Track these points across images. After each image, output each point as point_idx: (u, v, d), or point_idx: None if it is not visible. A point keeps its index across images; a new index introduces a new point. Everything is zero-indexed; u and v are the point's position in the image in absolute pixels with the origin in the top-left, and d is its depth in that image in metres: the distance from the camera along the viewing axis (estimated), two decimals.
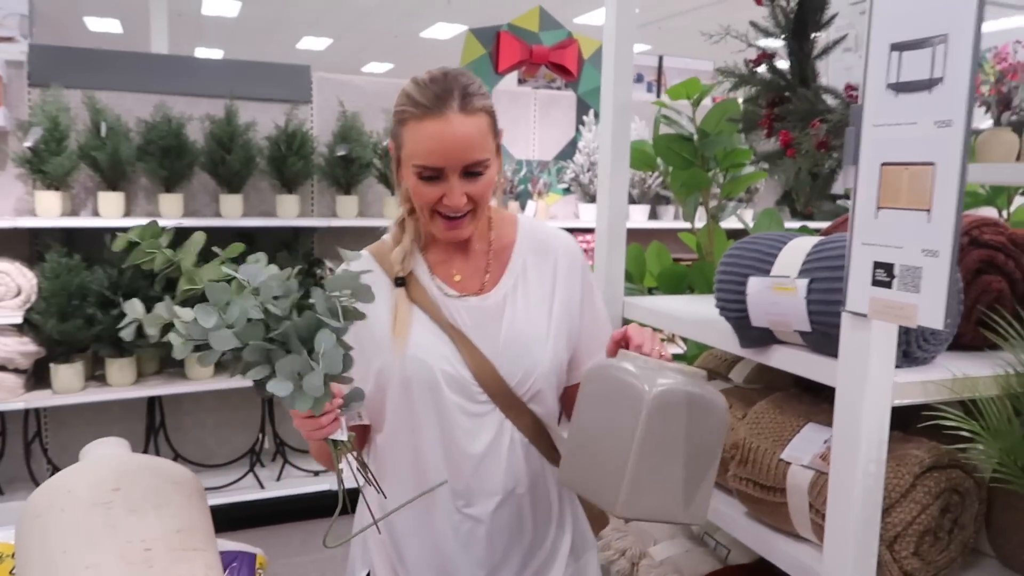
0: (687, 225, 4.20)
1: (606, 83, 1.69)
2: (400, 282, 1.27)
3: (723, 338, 1.45)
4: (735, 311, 1.33)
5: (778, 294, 1.24)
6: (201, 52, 13.90)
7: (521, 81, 4.59)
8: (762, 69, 1.66)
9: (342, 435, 1.11)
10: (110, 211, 3.34)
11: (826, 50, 1.60)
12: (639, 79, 5.39)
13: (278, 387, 0.95)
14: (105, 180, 3.37)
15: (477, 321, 1.26)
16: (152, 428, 3.63)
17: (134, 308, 1.04)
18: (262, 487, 3.63)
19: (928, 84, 0.95)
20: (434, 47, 13.36)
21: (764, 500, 1.33)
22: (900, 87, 0.98)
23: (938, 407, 1.09)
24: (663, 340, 2.22)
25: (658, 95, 5.43)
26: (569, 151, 4.38)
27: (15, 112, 3.34)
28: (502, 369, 1.24)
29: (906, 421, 1.21)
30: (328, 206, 3.93)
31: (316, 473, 3.76)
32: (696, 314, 1.62)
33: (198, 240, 1.38)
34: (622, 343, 1.16)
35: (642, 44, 12.37)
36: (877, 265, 1.02)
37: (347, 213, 3.74)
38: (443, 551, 1.29)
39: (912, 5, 0.96)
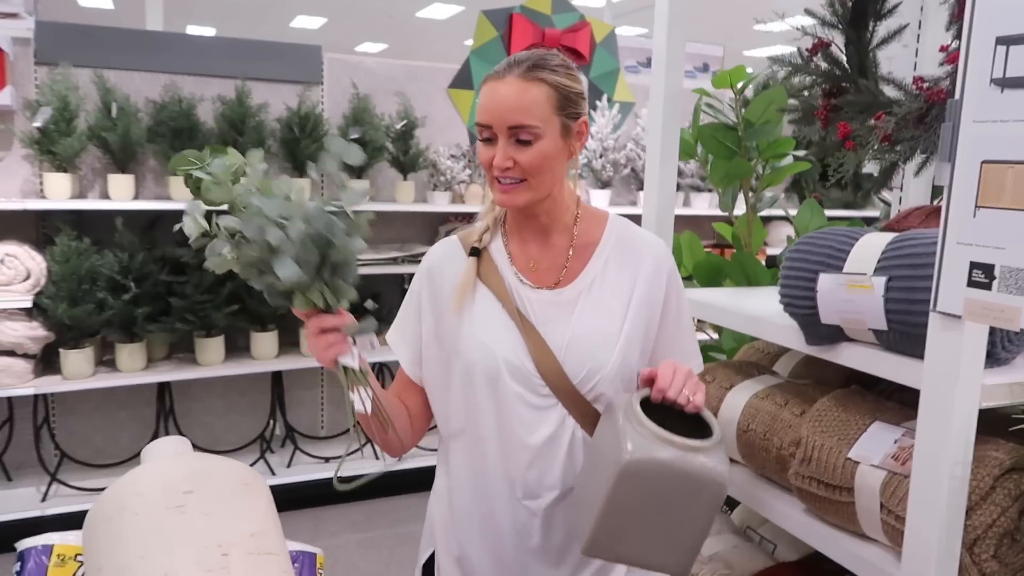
0: (704, 212, 4.18)
1: (657, 72, 1.65)
2: (475, 252, 1.30)
3: (782, 333, 1.43)
4: (803, 308, 1.31)
5: (853, 292, 1.22)
6: (192, 30, 13.66)
7: None
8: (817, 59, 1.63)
9: (352, 361, 1.11)
10: (120, 193, 3.27)
11: (886, 40, 1.57)
12: (649, 64, 5.34)
13: (285, 268, 1.01)
14: (115, 162, 3.30)
15: (548, 314, 1.26)
16: (162, 414, 3.59)
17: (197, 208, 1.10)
18: (273, 473, 3.60)
19: None
20: (430, 27, 13.22)
21: (828, 499, 1.31)
22: (1006, 83, 0.95)
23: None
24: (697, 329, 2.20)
25: None
26: None
27: (21, 91, 3.26)
28: (566, 365, 1.23)
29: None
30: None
31: (327, 459, 3.73)
32: (748, 308, 1.59)
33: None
34: (649, 382, 1.15)
35: (639, 27, 12.29)
36: (974, 266, 0.99)
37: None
38: (500, 539, 1.29)
39: None
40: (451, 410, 1.31)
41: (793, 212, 1.91)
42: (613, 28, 4.38)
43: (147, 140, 3.32)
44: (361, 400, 1.12)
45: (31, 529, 3.14)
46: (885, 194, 2.06)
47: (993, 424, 1.18)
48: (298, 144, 3.50)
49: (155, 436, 3.55)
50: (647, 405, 1.11)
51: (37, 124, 3.07)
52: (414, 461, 3.75)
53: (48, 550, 1.07)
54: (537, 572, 1.29)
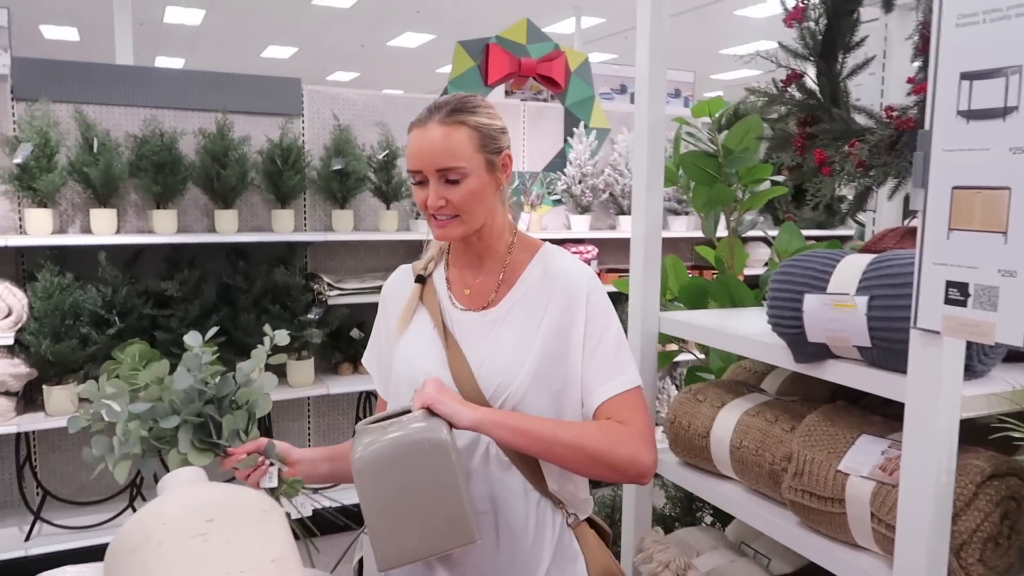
0: (682, 235, 4.26)
1: (640, 100, 1.72)
2: (419, 279, 1.42)
3: (770, 352, 1.49)
4: (790, 327, 1.37)
5: (837, 311, 1.28)
6: (161, 61, 13.65)
7: (508, 93, 4.62)
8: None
9: (270, 482, 1.27)
10: (102, 228, 3.27)
11: (855, 71, 1.65)
12: (623, 90, 5.46)
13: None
14: (96, 196, 3.30)
15: (471, 333, 1.34)
16: None
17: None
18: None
19: (1002, 112, 0.99)
20: (401, 55, 13.35)
21: (821, 510, 1.37)
22: (971, 114, 1.03)
23: (1001, 418, 1.14)
24: (679, 349, 2.25)
25: None
26: (558, 163, 4.42)
27: None
28: (480, 380, 1.29)
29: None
30: (321, 220, 3.90)
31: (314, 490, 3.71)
32: (736, 328, 1.65)
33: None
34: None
35: (608, 53, 12.52)
36: (950, 284, 1.06)
37: (343, 227, 3.72)
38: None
39: (982, 36, 1.01)
40: None
41: (772, 233, 1.98)
42: (587, 57, 4.49)
43: (129, 175, 3.33)
44: (297, 508, 1.28)
45: (15, 570, 3.09)
46: (860, 215, 2.14)
47: (972, 434, 1.25)
48: (281, 176, 3.53)
49: (140, 474, 3.52)
50: None
51: (17, 160, 3.07)
52: None
53: None
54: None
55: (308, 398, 3.85)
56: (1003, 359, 1.31)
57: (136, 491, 3.47)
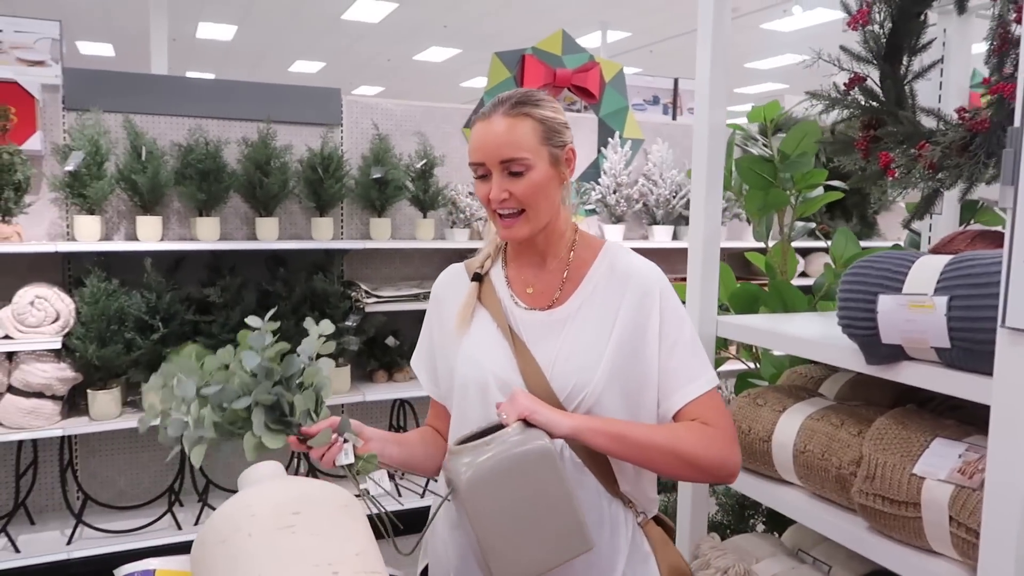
0: (722, 245, 4.24)
1: (700, 107, 1.72)
2: (476, 278, 1.38)
3: (837, 354, 1.47)
4: (863, 329, 1.35)
5: (914, 312, 1.27)
6: (192, 75, 13.88)
7: None
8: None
9: (346, 458, 1.22)
10: (148, 235, 3.32)
11: (920, 73, 1.64)
12: (655, 101, 5.47)
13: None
14: (142, 204, 3.35)
15: (538, 334, 1.31)
16: (183, 455, 3.58)
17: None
18: None
19: None
20: (427, 70, 13.47)
21: (894, 515, 1.35)
22: None
23: None
24: (739, 354, 2.24)
25: (673, 117, 5.51)
26: (591, 173, 4.43)
27: (50, 136, 3.32)
28: (553, 382, 1.26)
29: None
30: (358, 228, 3.93)
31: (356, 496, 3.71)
32: (797, 331, 1.64)
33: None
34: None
35: (632, 67, 12.55)
36: None
37: (380, 235, 3.75)
38: (472, 564, 1.31)
39: None
40: (450, 429, 1.37)
41: (808, 244, 1.97)
42: (621, 68, 4.50)
43: (175, 182, 3.38)
44: (376, 482, 1.24)
45: (58, 572, 3.12)
46: (915, 224, 2.12)
47: None
48: (321, 184, 3.56)
49: (178, 478, 3.55)
50: None
51: (69, 168, 3.13)
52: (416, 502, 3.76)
53: (150, 574, 1.09)
54: None
55: (343, 405, 3.87)
56: None
57: (175, 496, 3.49)
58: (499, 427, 1.17)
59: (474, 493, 1.10)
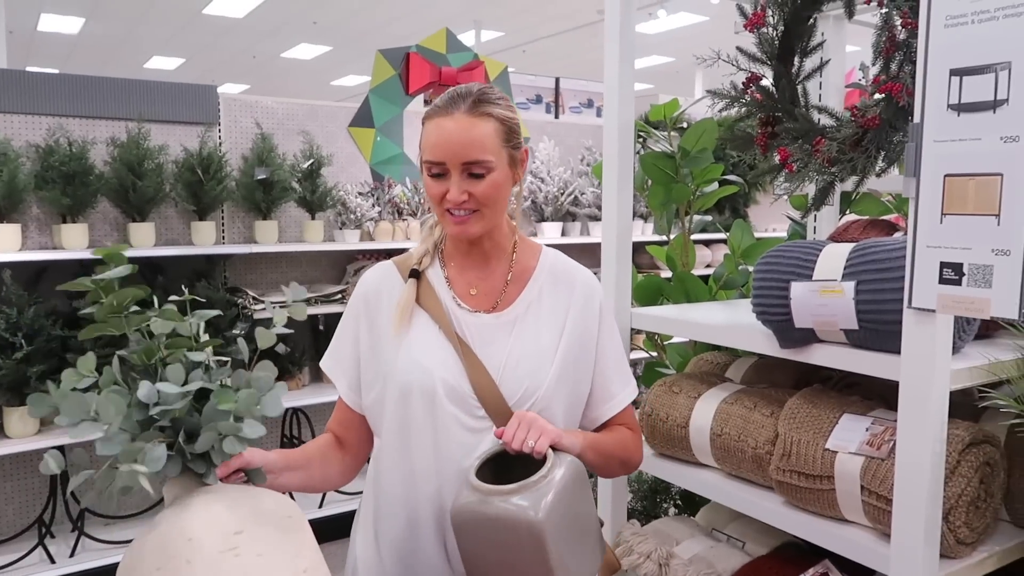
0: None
1: (609, 104, 1.76)
2: (414, 274, 1.31)
3: (751, 339, 1.55)
4: (777, 315, 1.43)
5: (825, 296, 1.35)
6: (33, 71, 12.78)
7: (428, 102, 4.59)
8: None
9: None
10: (5, 244, 3.02)
11: (811, 73, 1.75)
12: (538, 100, 5.55)
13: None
14: None
15: (485, 337, 1.28)
16: (55, 484, 3.30)
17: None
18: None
19: (993, 105, 1.08)
20: (295, 67, 13.05)
21: (809, 488, 1.43)
22: (962, 108, 1.11)
23: (982, 388, 1.24)
24: (640, 346, 2.30)
25: (556, 116, 5.61)
26: None
27: None
28: (503, 386, 1.24)
29: None
30: (240, 232, 3.76)
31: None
32: (708, 319, 1.71)
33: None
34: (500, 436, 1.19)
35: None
36: (944, 265, 1.14)
37: (267, 238, 3.60)
38: (427, 570, 1.27)
39: (970, 35, 1.09)
40: (385, 436, 1.29)
41: (698, 237, 2.06)
42: (506, 66, 4.54)
43: (34, 187, 3.10)
44: None
45: None
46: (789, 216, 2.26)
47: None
48: (201, 186, 3.38)
49: (48, 508, 3.26)
50: (521, 458, 1.17)
51: None
52: (329, 508, 3.67)
53: None
54: None
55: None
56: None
57: (45, 528, 3.20)
58: (504, 452, 1.16)
59: (458, 524, 1.12)
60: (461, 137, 1.20)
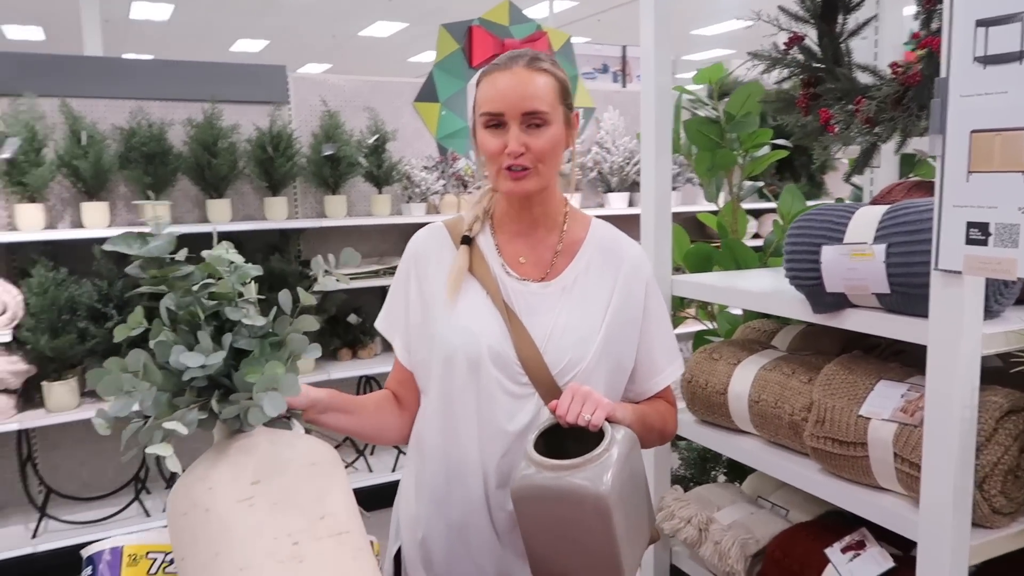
0: (676, 209, 4.32)
1: (646, 71, 1.75)
2: (466, 240, 1.33)
3: (786, 305, 1.53)
4: (808, 279, 1.41)
5: (855, 260, 1.33)
6: (130, 58, 13.45)
7: None
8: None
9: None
10: (94, 221, 3.24)
11: (855, 31, 1.69)
12: (605, 70, 5.49)
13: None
14: (86, 190, 3.27)
15: (532, 306, 1.29)
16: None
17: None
18: None
19: (1019, 56, 1.03)
20: (373, 45, 13.24)
21: (843, 455, 1.42)
22: (988, 60, 1.07)
23: (1017, 354, 1.19)
24: (694, 316, 2.29)
25: (623, 84, 5.53)
26: None
27: None
28: (547, 356, 1.26)
29: None
30: (313, 207, 3.90)
31: None
32: (750, 286, 1.70)
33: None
34: (553, 409, 1.19)
35: (581, 37, 12.51)
36: (971, 225, 1.10)
37: (335, 213, 3.72)
38: (467, 528, 1.30)
39: None
40: (430, 396, 1.33)
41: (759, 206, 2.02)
42: (569, 37, 4.50)
43: (119, 167, 3.30)
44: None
45: (24, 567, 3.08)
46: (856, 179, 2.19)
47: (987, 373, 1.30)
48: (272, 163, 3.52)
49: (142, 467, 3.51)
50: (571, 431, 1.17)
51: (5, 155, 3.03)
52: (378, 477, 3.79)
53: (118, 551, 1.09)
54: (502, 564, 1.30)
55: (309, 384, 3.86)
56: (1015, 302, 1.37)
57: (141, 484, 3.46)
58: (558, 426, 1.16)
59: (519, 499, 1.11)
60: (520, 88, 1.21)
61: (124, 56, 13.27)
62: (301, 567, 0.98)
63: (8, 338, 2.96)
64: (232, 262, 1.14)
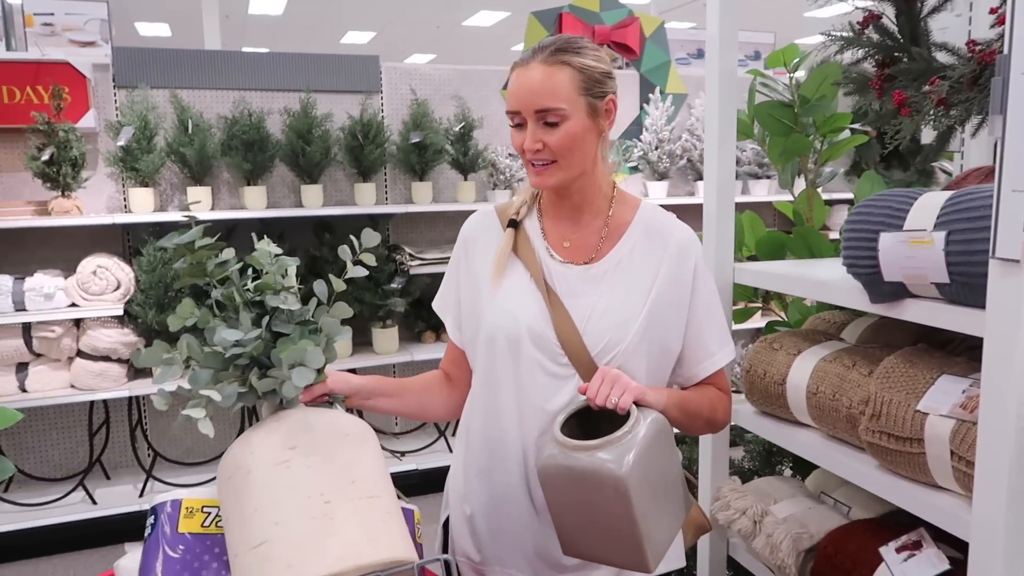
0: (763, 198, 4.19)
1: (711, 54, 1.72)
2: (512, 224, 1.36)
3: (844, 295, 1.48)
4: (866, 267, 1.35)
5: (914, 248, 1.27)
6: (235, 51, 14.14)
7: None
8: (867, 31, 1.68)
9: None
10: (199, 205, 3.46)
11: (936, 8, 1.60)
12: (699, 55, 5.37)
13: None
14: (192, 175, 3.50)
15: (574, 288, 1.30)
16: (244, 414, 3.77)
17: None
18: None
19: None
20: (477, 35, 13.41)
21: (899, 451, 1.36)
22: None
23: None
24: (762, 306, 2.24)
25: None
26: (634, 130, 4.40)
27: (103, 113, 3.48)
28: (586, 337, 1.27)
29: None
30: (401, 193, 4.02)
31: (402, 454, 3.84)
32: (811, 275, 1.64)
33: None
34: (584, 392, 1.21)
35: (686, 22, 12.24)
36: None
37: (422, 199, 3.82)
38: (508, 503, 1.33)
39: None
40: (476, 373, 1.37)
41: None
42: (662, 22, 4.43)
43: (221, 154, 3.51)
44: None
45: (131, 522, 3.35)
46: (946, 164, 2.08)
47: None
48: (362, 150, 3.65)
49: (240, 433, 3.73)
50: (607, 414, 1.18)
51: (121, 143, 3.29)
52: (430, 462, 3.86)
53: (178, 504, 1.19)
54: (539, 538, 1.33)
55: (393, 365, 3.99)
56: None
57: None
58: (589, 408, 1.19)
59: (545, 477, 1.15)
60: (533, 85, 1.22)
61: (242, 50, 14.01)
62: (331, 523, 1.05)
63: (120, 312, 3.22)
64: (277, 255, 1.25)
